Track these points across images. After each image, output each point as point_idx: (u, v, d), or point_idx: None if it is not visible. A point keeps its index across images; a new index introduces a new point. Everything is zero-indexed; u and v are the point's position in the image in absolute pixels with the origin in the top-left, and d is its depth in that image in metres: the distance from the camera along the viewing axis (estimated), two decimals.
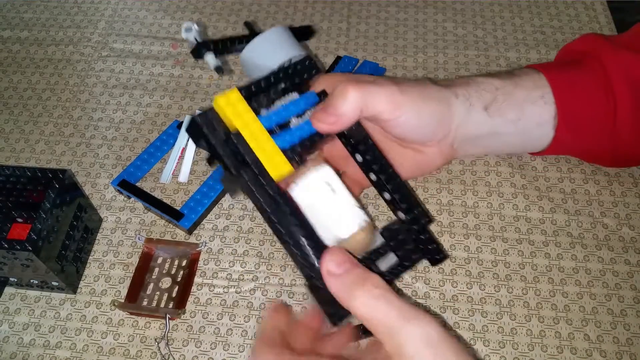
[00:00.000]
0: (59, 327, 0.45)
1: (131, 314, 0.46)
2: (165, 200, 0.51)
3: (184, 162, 0.54)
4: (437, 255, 0.37)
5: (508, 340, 0.44)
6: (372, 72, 0.61)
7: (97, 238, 0.50)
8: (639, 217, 0.49)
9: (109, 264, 0.49)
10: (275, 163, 0.34)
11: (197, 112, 0.36)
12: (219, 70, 0.46)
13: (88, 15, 0.68)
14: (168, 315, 0.44)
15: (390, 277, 0.36)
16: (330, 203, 0.35)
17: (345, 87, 0.38)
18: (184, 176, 0.53)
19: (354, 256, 0.33)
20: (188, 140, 0.55)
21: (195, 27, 0.43)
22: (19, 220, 0.46)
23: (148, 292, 0.46)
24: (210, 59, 0.45)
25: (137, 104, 0.59)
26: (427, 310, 0.31)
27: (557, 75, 0.46)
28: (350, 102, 0.38)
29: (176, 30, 0.66)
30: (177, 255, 0.48)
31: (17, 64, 0.64)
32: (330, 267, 0.32)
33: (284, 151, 0.35)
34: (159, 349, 0.44)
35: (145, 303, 0.46)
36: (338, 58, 0.62)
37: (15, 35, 0.66)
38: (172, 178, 0.53)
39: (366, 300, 0.30)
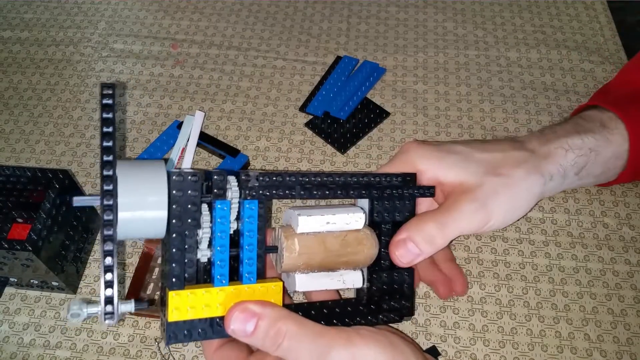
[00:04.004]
0: (59, 327, 0.45)
1: (131, 313, 0.45)
2: None
3: (184, 163, 0.54)
4: (428, 191, 0.40)
5: (508, 340, 0.44)
6: (372, 72, 0.61)
7: (97, 238, 0.50)
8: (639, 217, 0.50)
9: None
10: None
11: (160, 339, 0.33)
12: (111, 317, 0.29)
13: (88, 16, 0.68)
14: None
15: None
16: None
17: (434, 235, 0.36)
18: None
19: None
20: (188, 141, 0.55)
21: (85, 310, 0.29)
22: (19, 220, 0.46)
23: (148, 292, 0.46)
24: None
25: (137, 104, 0.59)
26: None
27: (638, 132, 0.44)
28: (435, 247, 0.36)
29: (176, 30, 0.66)
30: None
31: (17, 64, 0.64)
32: (236, 329, 0.33)
33: (259, 276, 0.35)
34: (159, 349, 0.44)
35: None
36: (338, 58, 0.62)
37: (16, 35, 0.66)
38: None
39: (280, 353, 0.33)
